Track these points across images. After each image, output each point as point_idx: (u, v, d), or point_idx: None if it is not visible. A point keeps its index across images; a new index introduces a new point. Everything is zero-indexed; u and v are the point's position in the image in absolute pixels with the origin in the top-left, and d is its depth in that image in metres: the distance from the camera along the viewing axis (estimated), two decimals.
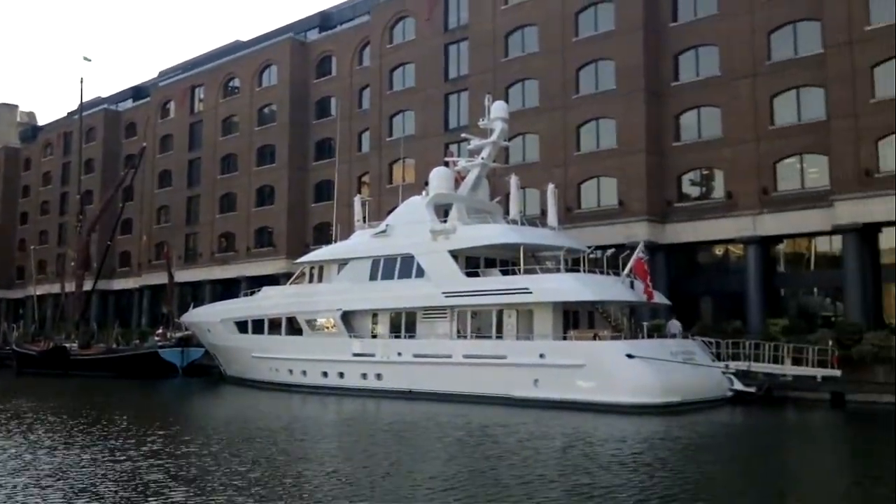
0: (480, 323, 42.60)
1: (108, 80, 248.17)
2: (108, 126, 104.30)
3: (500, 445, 24.57)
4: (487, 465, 20.72)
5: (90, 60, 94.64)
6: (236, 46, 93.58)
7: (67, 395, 46.86)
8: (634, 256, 40.45)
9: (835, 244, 46.47)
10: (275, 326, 52.06)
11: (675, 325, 43.08)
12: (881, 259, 44.15)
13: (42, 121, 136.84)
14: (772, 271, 49.17)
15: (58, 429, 28.87)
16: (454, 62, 64.44)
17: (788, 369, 38.91)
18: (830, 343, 39.03)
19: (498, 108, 49.35)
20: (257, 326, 53.01)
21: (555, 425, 29.47)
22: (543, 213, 50.57)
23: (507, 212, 48.87)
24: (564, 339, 38.94)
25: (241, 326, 54.20)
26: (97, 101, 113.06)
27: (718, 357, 40.40)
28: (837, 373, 37.79)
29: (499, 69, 60.30)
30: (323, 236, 72.01)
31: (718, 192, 51.04)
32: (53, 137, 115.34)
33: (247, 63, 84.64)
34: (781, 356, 39.32)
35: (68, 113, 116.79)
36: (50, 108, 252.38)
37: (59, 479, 18.39)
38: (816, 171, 46.96)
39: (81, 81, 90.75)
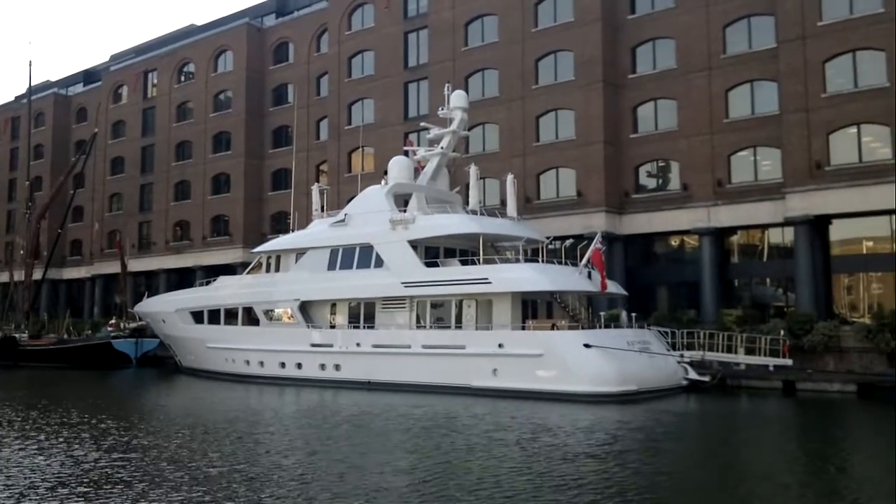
0: (440, 313, 43.17)
1: (58, 64, 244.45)
2: (57, 111, 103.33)
3: (466, 436, 25.12)
4: (456, 456, 21.24)
5: (31, 44, 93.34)
6: (191, 31, 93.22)
7: (16, 386, 46.67)
8: (592, 247, 41.30)
9: (787, 236, 47.70)
10: (231, 316, 52.26)
11: (623, 316, 43.96)
12: (831, 250, 45.36)
13: None
14: (726, 262, 50.43)
15: (7, 421, 28.88)
16: (414, 50, 64.87)
17: (742, 358, 40.08)
18: (782, 333, 40.25)
19: (457, 98, 49.85)
20: (213, 316, 53.18)
21: (518, 416, 30.15)
22: (503, 203, 51.31)
23: (466, 202, 49.51)
24: (523, 328, 39.66)
25: (197, 316, 54.34)
26: (47, 85, 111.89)
27: (674, 346, 41.43)
28: (789, 362, 39.00)
29: (459, 58, 60.91)
30: (280, 225, 72.28)
31: (674, 183, 52.17)
32: (0, 122, 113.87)
33: (201, 48, 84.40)
34: (735, 346, 40.47)
35: (16, 97, 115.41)
36: None
37: (2, 475, 18.53)
38: (769, 164, 48.23)
39: (30, 65, 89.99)
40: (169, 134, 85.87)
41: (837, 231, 45.06)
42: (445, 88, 51.47)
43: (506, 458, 20.94)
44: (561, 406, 32.34)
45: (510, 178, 48.82)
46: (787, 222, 45.27)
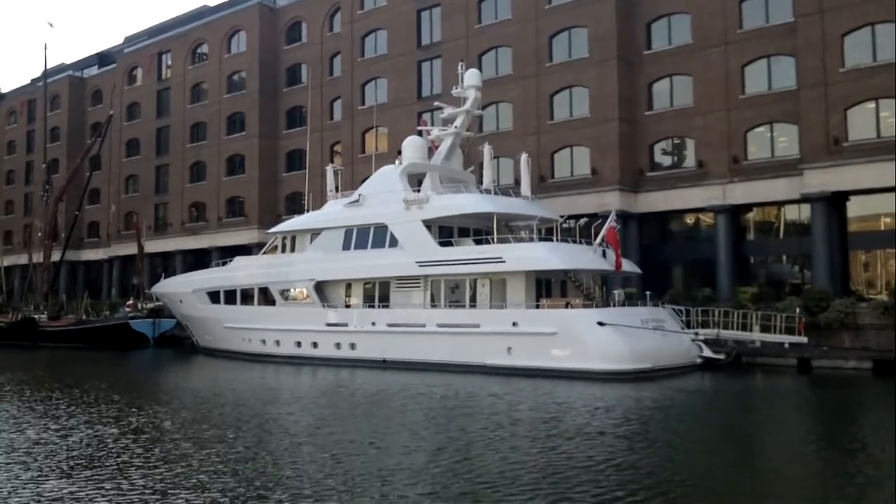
0: (454, 293, 43.28)
1: (73, 46, 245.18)
2: (73, 93, 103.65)
3: (488, 415, 25.28)
4: (489, 434, 21.37)
5: (53, 26, 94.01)
6: (203, 12, 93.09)
7: (36, 366, 47.18)
8: (606, 225, 41.21)
9: (803, 212, 47.52)
10: (247, 297, 52.61)
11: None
12: (848, 227, 45.10)
13: (5, 88, 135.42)
14: (741, 239, 50.30)
15: (28, 401, 29.17)
16: (427, 29, 64.66)
17: (756, 336, 39.97)
18: (798, 310, 40.05)
19: (471, 77, 49.73)
20: (229, 297, 53.52)
21: (537, 394, 30.31)
22: (517, 182, 51.20)
23: (480, 181, 49.50)
24: (537, 307, 39.76)
25: (214, 297, 54.70)
26: (62, 68, 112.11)
27: (689, 325, 41.30)
28: (804, 339, 38.82)
29: (472, 36, 60.69)
30: (295, 206, 72.47)
31: (690, 161, 52.00)
32: (17, 105, 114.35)
33: (214, 29, 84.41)
34: (750, 323, 40.39)
35: (32, 80, 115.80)
36: (12, 75, 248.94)
37: (31, 456, 18.78)
38: (786, 140, 47.98)
39: (45, 48, 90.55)
40: (184, 115, 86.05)
41: (855, 207, 44.83)
42: (459, 67, 51.33)
43: (532, 438, 21.11)
44: (577, 384, 32.52)
45: (524, 157, 48.71)
46: (803, 199, 45.11)
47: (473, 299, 41.68)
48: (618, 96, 52.90)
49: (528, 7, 57.56)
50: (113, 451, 19.31)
